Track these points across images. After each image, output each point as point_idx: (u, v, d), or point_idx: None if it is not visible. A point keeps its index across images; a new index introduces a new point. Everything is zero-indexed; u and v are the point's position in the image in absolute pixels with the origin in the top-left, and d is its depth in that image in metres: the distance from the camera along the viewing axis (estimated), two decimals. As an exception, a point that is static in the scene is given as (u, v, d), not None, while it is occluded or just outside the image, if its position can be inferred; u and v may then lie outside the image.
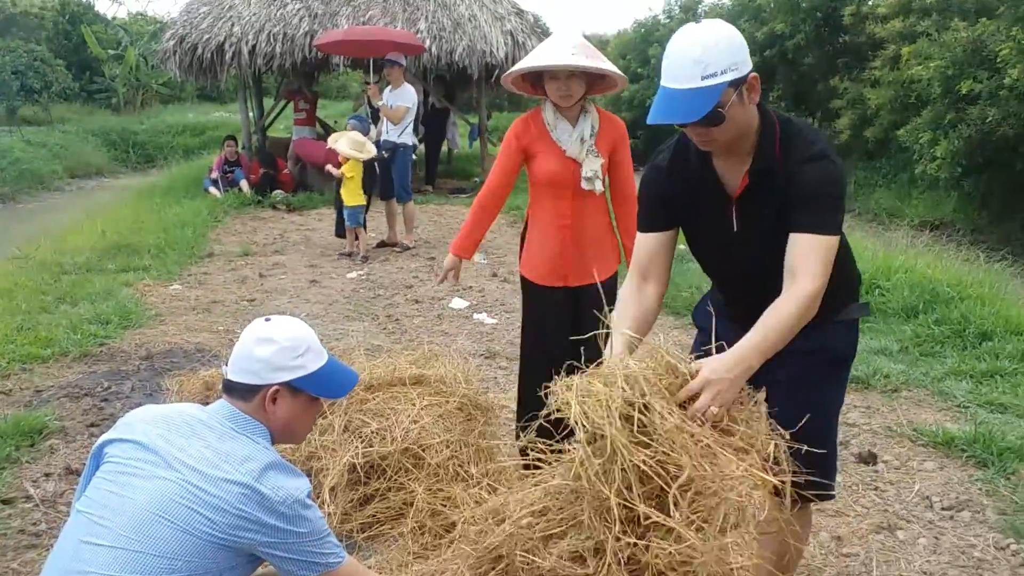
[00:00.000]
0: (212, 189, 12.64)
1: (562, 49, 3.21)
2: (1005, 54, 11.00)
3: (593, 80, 3.34)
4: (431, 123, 14.49)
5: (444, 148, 15.76)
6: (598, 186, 3.42)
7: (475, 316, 6.53)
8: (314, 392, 2.12)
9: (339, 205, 8.93)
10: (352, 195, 8.65)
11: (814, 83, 17.52)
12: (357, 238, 8.87)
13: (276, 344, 2.06)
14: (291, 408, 2.09)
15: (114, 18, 34.18)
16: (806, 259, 2.07)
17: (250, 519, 1.90)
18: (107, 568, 1.81)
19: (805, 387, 2.31)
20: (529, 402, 3.57)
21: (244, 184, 12.63)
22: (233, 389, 2.08)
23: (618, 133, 3.49)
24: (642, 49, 26.72)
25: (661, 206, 2.36)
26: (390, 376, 3.64)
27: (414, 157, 9.92)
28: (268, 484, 1.93)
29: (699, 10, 21.85)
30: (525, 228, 3.69)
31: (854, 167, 15.65)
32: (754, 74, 2.07)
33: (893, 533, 3.33)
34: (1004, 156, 11.93)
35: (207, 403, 2.20)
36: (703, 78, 1.99)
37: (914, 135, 12.74)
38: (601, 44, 32.04)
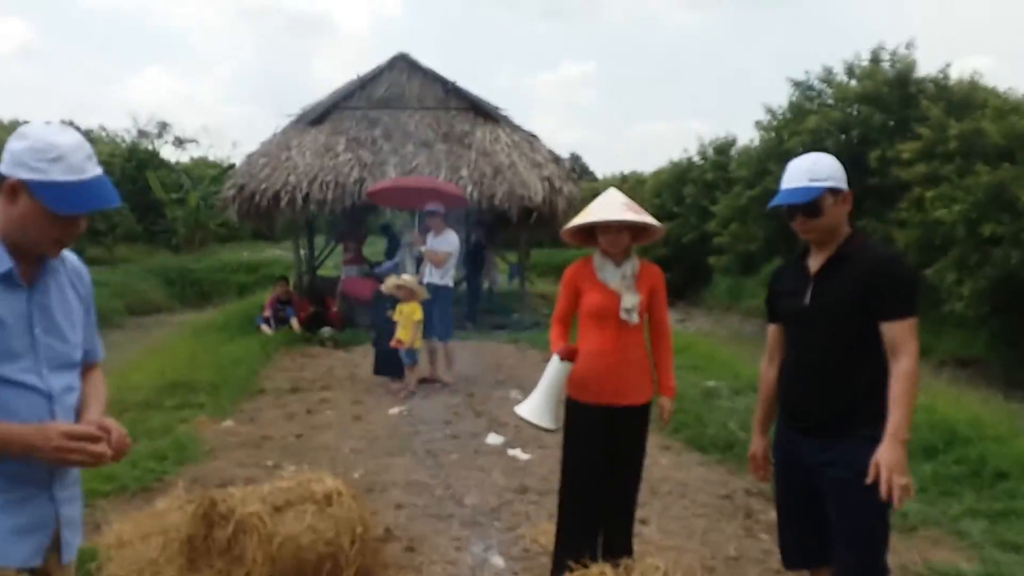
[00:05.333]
0: (264, 327, 13.22)
1: (613, 206, 3.82)
2: (1027, 198, 11.35)
3: (638, 232, 3.92)
4: (472, 260, 15.05)
5: (485, 285, 16.31)
6: (634, 318, 3.88)
7: (509, 452, 6.82)
8: (45, 201, 2.05)
9: (378, 345, 9.34)
10: (417, 337, 9.03)
11: (843, 223, 17.89)
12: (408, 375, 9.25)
13: (28, 141, 2.06)
14: (26, 210, 2.07)
15: (177, 163, 36.22)
16: (904, 340, 2.70)
17: None
18: None
19: (860, 489, 2.65)
20: (566, 535, 4.01)
21: (294, 322, 13.25)
22: None
23: (655, 279, 4.02)
24: (677, 188, 27.56)
25: (774, 299, 3.14)
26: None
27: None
28: None
29: (732, 152, 22.57)
30: None
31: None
32: (848, 191, 2.83)
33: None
34: (1030, 297, 12.11)
35: None
36: (810, 180, 2.80)
37: (940, 275, 12.98)
38: (639, 183, 33.07)
